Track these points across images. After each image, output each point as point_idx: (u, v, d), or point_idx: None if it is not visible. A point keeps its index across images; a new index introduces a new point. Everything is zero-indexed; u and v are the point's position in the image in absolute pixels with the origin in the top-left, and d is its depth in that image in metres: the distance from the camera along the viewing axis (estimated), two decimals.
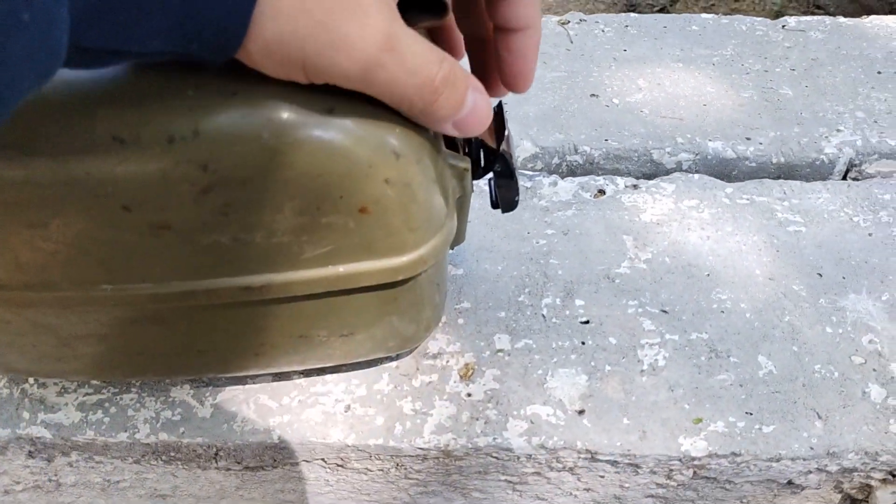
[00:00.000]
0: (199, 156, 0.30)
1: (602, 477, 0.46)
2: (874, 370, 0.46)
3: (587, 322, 0.49)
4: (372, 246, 0.35)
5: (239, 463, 0.47)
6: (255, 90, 0.30)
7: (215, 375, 0.46)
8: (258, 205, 0.32)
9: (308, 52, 0.27)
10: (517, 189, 0.41)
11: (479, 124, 0.32)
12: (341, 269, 0.36)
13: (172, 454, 0.46)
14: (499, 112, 0.40)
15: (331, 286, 0.36)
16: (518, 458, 0.44)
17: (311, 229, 0.33)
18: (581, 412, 0.45)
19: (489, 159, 0.40)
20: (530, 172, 0.59)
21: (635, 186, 0.58)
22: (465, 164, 0.38)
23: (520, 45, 0.35)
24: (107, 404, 0.46)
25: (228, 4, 0.25)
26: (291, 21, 0.26)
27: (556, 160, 0.64)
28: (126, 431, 0.45)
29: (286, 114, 0.30)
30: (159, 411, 0.46)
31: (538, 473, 0.46)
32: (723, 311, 0.49)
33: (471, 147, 0.41)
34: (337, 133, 0.31)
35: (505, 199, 0.41)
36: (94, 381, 0.47)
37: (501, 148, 0.39)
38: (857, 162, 0.65)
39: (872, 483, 0.45)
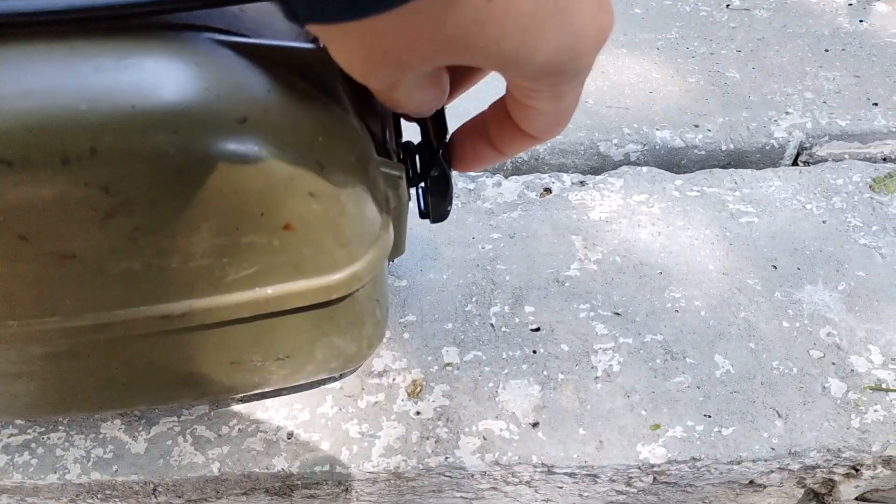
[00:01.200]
0: (98, 177, 0.28)
1: (560, 488, 0.45)
2: (833, 364, 0.46)
3: (538, 329, 0.48)
4: (301, 265, 0.34)
5: (180, 497, 0.45)
6: (156, 101, 0.28)
7: (146, 408, 0.44)
8: (170, 227, 0.30)
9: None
10: (451, 197, 0.39)
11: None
12: (269, 290, 0.34)
13: (108, 492, 0.44)
14: (440, 111, 0.39)
15: (259, 309, 0.35)
16: (472, 475, 0.43)
17: (232, 250, 0.32)
18: (535, 425, 0.44)
19: (424, 164, 0.39)
20: (473, 173, 0.58)
21: (582, 183, 0.57)
22: (399, 171, 0.37)
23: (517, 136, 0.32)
24: (33, 444, 0.44)
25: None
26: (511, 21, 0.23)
27: None
28: (55, 472, 0.43)
29: (193, 126, 0.28)
30: (90, 449, 0.44)
31: (494, 488, 0.45)
32: (677, 311, 0.49)
33: (405, 153, 0.40)
34: (252, 145, 0.29)
35: (437, 208, 0.40)
36: (17, 421, 0.45)
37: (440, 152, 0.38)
38: (807, 145, 0.65)
39: (835, 478, 0.46)
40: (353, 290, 0.36)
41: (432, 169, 0.39)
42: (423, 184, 0.40)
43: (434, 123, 0.38)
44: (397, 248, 0.42)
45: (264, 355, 0.39)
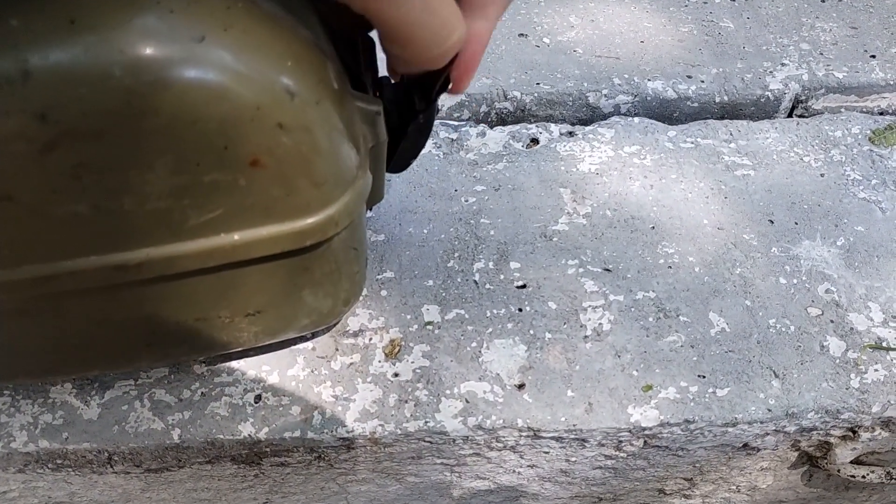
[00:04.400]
0: (33, 103, 0.25)
1: (546, 453, 0.43)
2: (832, 322, 0.45)
3: (524, 286, 0.46)
4: (271, 207, 0.31)
5: (138, 466, 0.43)
6: (99, 15, 0.25)
7: (101, 373, 0.42)
8: (120, 163, 0.27)
9: None
10: (422, 147, 0.37)
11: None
12: (236, 236, 0.32)
13: (59, 462, 0.42)
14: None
15: (226, 257, 0.33)
16: (454, 440, 0.41)
17: (193, 190, 0.29)
18: (521, 386, 0.42)
19: (412, 108, 0.37)
20: (455, 122, 0.56)
21: (571, 133, 0.55)
22: (377, 106, 0.35)
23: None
24: None
25: None
26: None
27: (483, 108, 0.61)
28: (0, 441, 0.41)
29: (143, 44, 0.25)
30: (37, 415, 0.41)
31: (477, 454, 0.43)
32: (670, 267, 0.47)
33: (382, 89, 0.38)
34: (211, 67, 0.26)
35: (404, 156, 0.38)
36: None
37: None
38: (803, 98, 0.64)
39: (831, 440, 0.45)
40: (329, 237, 0.34)
41: (420, 115, 0.36)
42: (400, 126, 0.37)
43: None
44: (376, 194, 0.40)
45: (233, 310, 0.37)
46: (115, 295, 0.33)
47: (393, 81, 0.37)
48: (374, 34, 0.32)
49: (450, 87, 0.34)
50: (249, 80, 0.27)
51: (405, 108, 0.37)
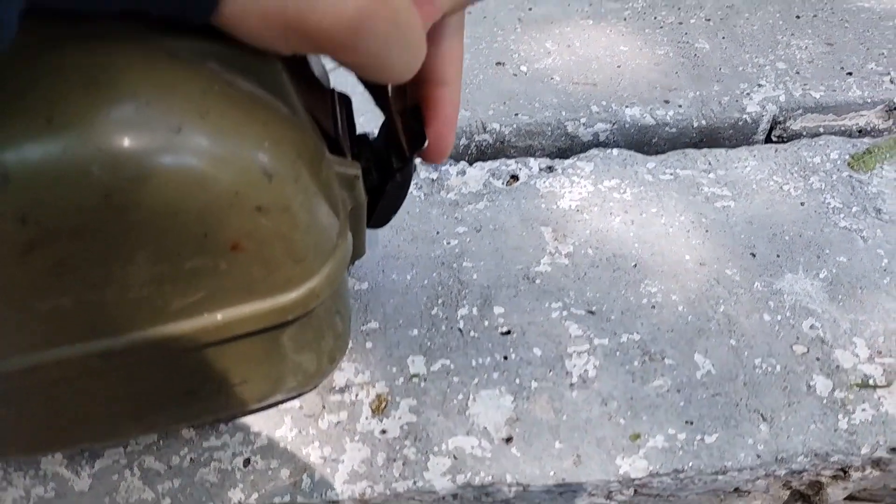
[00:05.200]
0: (12, 206, 0.25)
1: None
2: (818, 359, 0.46)
3: (508, 332, 0.47)
4: (252, 286, 0.31)
5: None
6: (76, 112, 0.25)
7: (90, 446, 0.41)
8: (100, 258, 0.27)
9: (290, 11, 0.24)
10: (402, 203, 0.37)
11: None
12: (219, 316, 0.32)
13: None
14: (416, 113, 0.36)
15: (211, 337, 0.32)
16: (443, 498, 0.42)
17: (174, 277, 0.29)
18: (508, 440, 0.43)
19: (390, 166, 0.37)
20: None
21: (550, 168, 0.55)
22: (356, 170, 0.35)
23: (435, 100, 0.32)
24: None
25: None
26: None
27: (463, 141, 0.61)
28: None
29: (121, 140, 0.25)
30: (29, 488, 0.41)
31: None
32: (653, 307, 0.48)
33: (361, 147, 0.38)
34: (190, 157, 0.26)
35: (384, 213, 0.38)
36: None
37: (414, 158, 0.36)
38: (780, 119, 0.64)
39: (823, 480, 0.45)
40: (311, 308, 0.34)
41: (398, 174, 0.36)
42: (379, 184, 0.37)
43: (407, 122, 0.36)
44: (357, 252, 0.40)
45: (219, 382, 0.37)
46: (102, 377, 0.33)
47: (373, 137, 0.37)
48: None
49: (425, 145, 0.34)
50: (227, 166, 0.27)
51: (383, 166, 0.37)
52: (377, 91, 0.35)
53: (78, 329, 0.30)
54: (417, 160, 0.37)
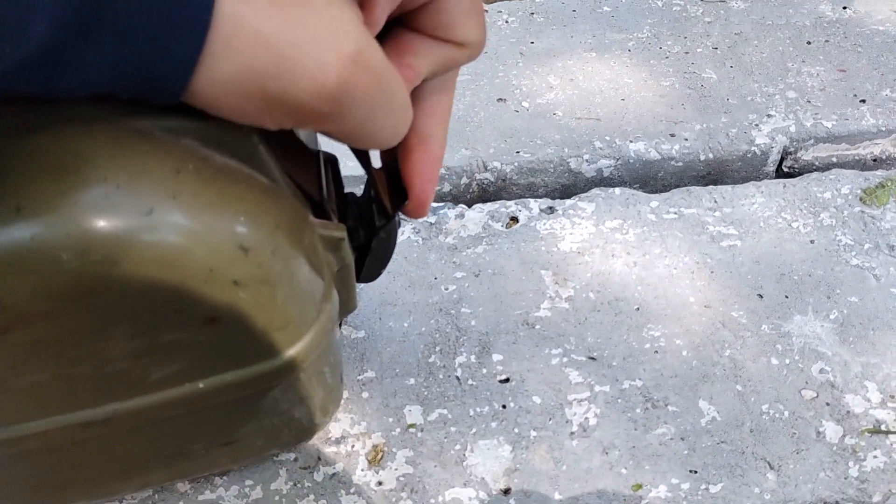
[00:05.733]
0: None
1: None
2: (827, 405, 0.45)
3: (507, 380, 0.46)
4: (234, 355, 0.32)
5: None
6: (45, 199, 0.25)
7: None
8: (75, 337, 0.28)
9: (270, 87, 0.24)
10: (390, 258, 0.37)
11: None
12: (201, 385, 0.32)
13: None
14: (395, 170, 0.36)
15: (193, 405, 0.33)
16: None
17: (151, 351, 0.30)
18: (507, 491, 0.42)
19: (373, 224, 0.37)
20: (434, 204, 0.56)
21: (551, 209, 0.55)
22: (341, 232, 0.35)
23: (416, 157, 0.32)
24: None
25: (169, 43, 0.22)
26: (249, 57, 0.24)
27: (464, 180, 0.61)
28: None
29: (89, 225, 0.25)
30: None
31: None
32: (657, 352, 0.47)
33: (347, 206, 0.38)
34: (162, 238, 0.26)
35: (372, 268, 0.38)
36: None
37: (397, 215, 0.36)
38: (791, 150, 0.64)
39: None
40: (297, 373, 0.34)
41: (380, 231, 0.36)
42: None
43: (389, 178, 0.36)
44: (347, 307, 0.40)
45: (208, 443, 0.37)
46: (85, 444, 0.33)
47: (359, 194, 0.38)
48: None
49: (406, 203, 0.34)
50: (200, 244, 0.27)
51: (369, 224, 0.37)
52: (358, 150, 0.35)
53: (57, 402, 0.30)
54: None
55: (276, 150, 0.32)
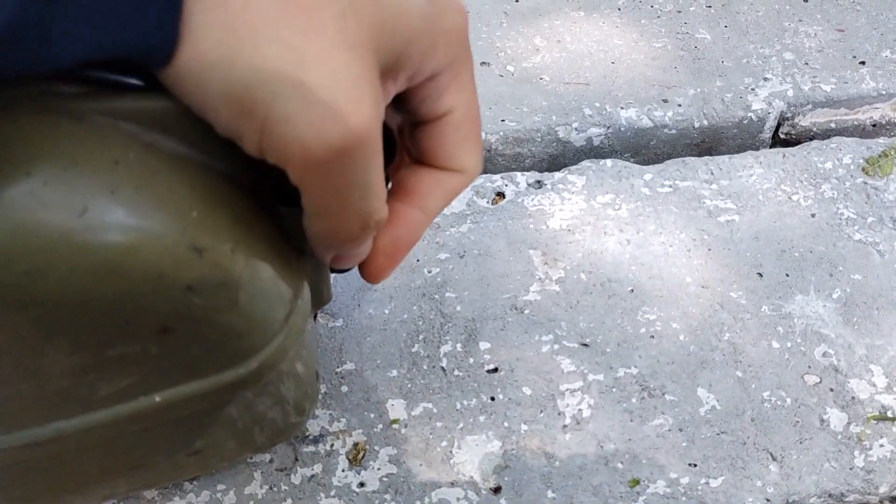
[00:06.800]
0: None
1: None
2: (831, 390, 0.42)
3: (495, 370, 0.43)
4: (192, 365, 0.28)
5: None
6: None
7: None
8: (6, 355, 0.24)
9: (274, 113, 0.21)
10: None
11: (351, 264, 0.30)
12: (157, 398, 0.29)
13: None
14: (390, 139, 0.32)
15: (149, 420, 0.29)
16: None
17: (97, 366, 0.26)
18: (497, 490, 0.40)
19: None
20: None
21: (539, 183, 0.52)
22: None
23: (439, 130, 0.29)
24: None
25: (145, 17, 0.20)
26: (248, 61, 0.21)
27: None
28: None
29: (9, 231, 0.22)
30: None
31: None
32: (652, 337, 0.44)
33: None
34: (100, 239, 0.23)
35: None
36: None
37: None
38: (788, 115, 0.60)
39: None
40: (266, 379, 0.31)
41: None
42: None
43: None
44: (320, 299, 0.37)
45: (170, 454, 0.34)
46: (33, 464, 0.30)
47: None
48: None
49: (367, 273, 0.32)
50: (146, 247, 0.24)
51: None
52: None
53: None
54: None
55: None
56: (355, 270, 0.33)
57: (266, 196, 0.29)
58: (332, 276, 0.40)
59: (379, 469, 0.40)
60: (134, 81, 0.24)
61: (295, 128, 0.22)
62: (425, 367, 0.44)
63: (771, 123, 0.60)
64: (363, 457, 0.41)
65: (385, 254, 0.30)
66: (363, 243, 0.28)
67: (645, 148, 0.59)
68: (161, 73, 0.22)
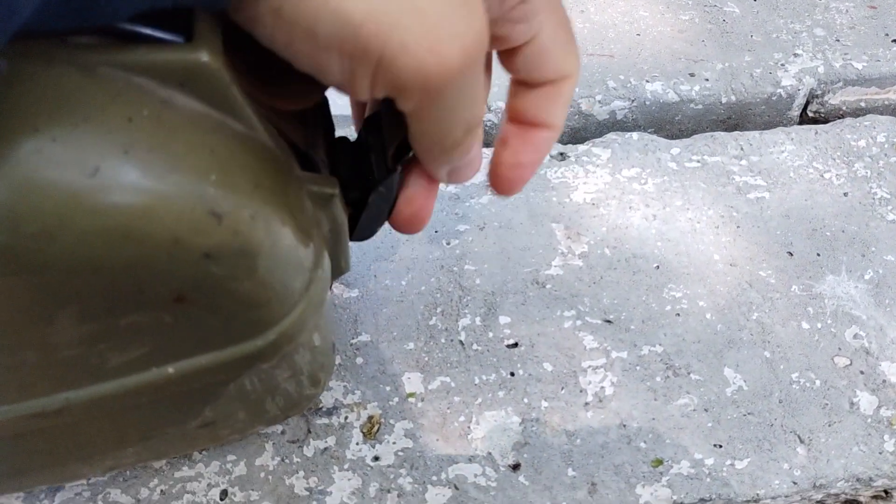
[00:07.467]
0: None
1: None
2: (861, 373, 0.41)
3: (515, 345, 0.42)
4: (207, 337, 0.27)
5: None
6: None
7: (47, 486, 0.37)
8: (12, 322, 0.23)
9: (393, 44, 0.20)
10: (389, 214, 0.32)
11: (464, 177, 0.29)
12: (170, 370, 0.27)
13: None
14: (397, 115, 0.31)
15: (162, 391, 0.28)
16: None
17: (108, 335, 0.25)
18: (516, 467, 0.38)
19: (372, 176, 0.31)
20: None
21: (563, 156, 0.50)
22: (332, 187, 0.30)
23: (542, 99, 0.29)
24: None
25: None
26: None
27: None
28: None
29: (18, 192, 0.20)
30: None
31: None
32: (678, 314, 0.43)
33: (340, 154, 0.33)
34: (113, 201, 0.21)
35: (368, 226, 0.33)
36: None
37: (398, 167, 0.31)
38: (818, 93, 0.58)
39: (861, 499, 0.41)
40: (284, 351, 0.29)
41: (381, 185, 0.31)
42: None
43: (391, 123, 0.30)
44: (337, 270, 0.35)
45: (181, 425, 0.32)
46: (41, 433, 0.29)
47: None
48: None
49: (411, 154, 0.29)
50: (161, 211, 0.22)
51: (366, 175, 0.32)
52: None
53: (3, 392, 0.25)
54: None
55: (253, 89, 0.26)
56: (372, 240, 0.31)
57: (288, 161, 0.27)
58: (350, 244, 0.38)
59: (394, 443, 0.39)
60: (171, 37, 0.22)
61: (415, 56, 0.21)
62: (443, 341, 0.42)
63: (800, 101, 0.58)
64: (378, 430, 0.39)
65: (531, 167, 0.31)
66: (471, 149, 0.27)
67: (669, 123, 0.57)
68: (240, 15, 0.21)
